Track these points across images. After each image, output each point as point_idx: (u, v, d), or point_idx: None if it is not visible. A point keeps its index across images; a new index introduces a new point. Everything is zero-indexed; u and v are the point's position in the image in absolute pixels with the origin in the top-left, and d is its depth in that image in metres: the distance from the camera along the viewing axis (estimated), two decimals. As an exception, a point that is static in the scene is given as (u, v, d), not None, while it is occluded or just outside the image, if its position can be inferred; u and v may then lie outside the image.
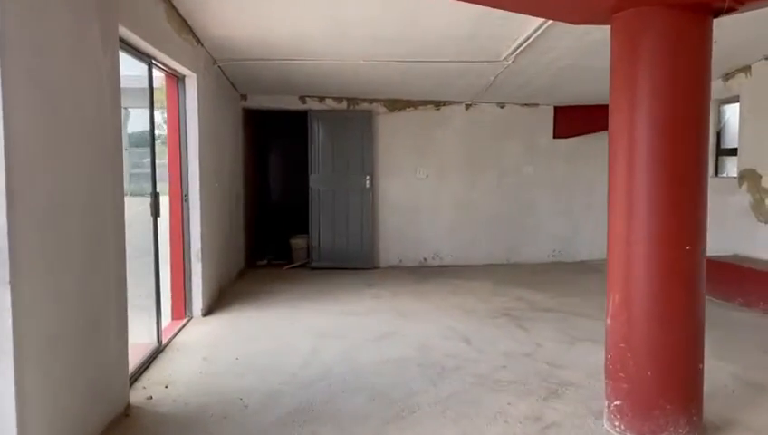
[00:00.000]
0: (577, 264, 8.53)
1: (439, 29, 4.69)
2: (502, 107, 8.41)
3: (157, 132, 4.34)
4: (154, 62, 4.34)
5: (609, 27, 3.04)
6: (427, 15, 4.35)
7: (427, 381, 3.83)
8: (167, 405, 3.42)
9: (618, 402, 3.02)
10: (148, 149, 4.23)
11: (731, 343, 4.62)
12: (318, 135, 8.07)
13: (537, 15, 3.82)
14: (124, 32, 3.48)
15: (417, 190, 8.37)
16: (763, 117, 6.19)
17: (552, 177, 8.62)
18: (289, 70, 6.25)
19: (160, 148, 4.50)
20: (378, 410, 3.37)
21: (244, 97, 7.92)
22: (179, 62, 4.59)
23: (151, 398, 3.54)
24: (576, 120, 8.40)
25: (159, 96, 4.75)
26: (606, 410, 3.12)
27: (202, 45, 5.30)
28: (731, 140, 6.93)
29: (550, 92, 7.51)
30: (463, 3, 3.10)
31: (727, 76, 6.63)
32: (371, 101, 8.17)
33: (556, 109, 8.49)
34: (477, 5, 3.15)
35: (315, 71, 6.25)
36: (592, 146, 8.52)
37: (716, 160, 7.15)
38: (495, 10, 3.82)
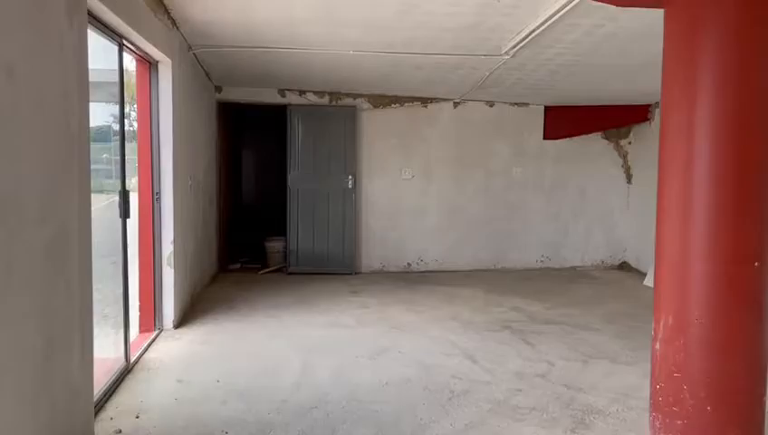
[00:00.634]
0: (567, 270, 8.21)
1: (438, 18, 4.26)
2: (491, 106, 8.05)
3: (116, 126, 3.83)
4: (125, 42, 3.81)
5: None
6: (427, 0, 3.92)
7: (437, 408, 3.41)
8: (139, 442, 2.92)
9: (667, 440, 2.65)
10: (105, 145, 3.70)
11: None
12: (298, 131, 7.56)
13: None
14: (93, 3, 2.96)
15: (401, 192, 7.93)
16: None
17: (542, 179, 8.29)
18: (269, 59, 5.74)
19: (118, 142, 3.95)
20: (387, 446, 2.93)
21: (218, 89, 7.36)
22: (154, 44, 4.06)
23: (120, 432, 3.03)
24: (567, 121, 8.10)
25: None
26: (651, 446, 2.76)
27: (178, 29, 4.76)
28: None
29: (542, 91, 7.15)
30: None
31: None
32: (355, 96, 7.70)
33: (546, 109, 8.16)
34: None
35: (298, 60, 5.75)
36: (583, 148, 8.24)
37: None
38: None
